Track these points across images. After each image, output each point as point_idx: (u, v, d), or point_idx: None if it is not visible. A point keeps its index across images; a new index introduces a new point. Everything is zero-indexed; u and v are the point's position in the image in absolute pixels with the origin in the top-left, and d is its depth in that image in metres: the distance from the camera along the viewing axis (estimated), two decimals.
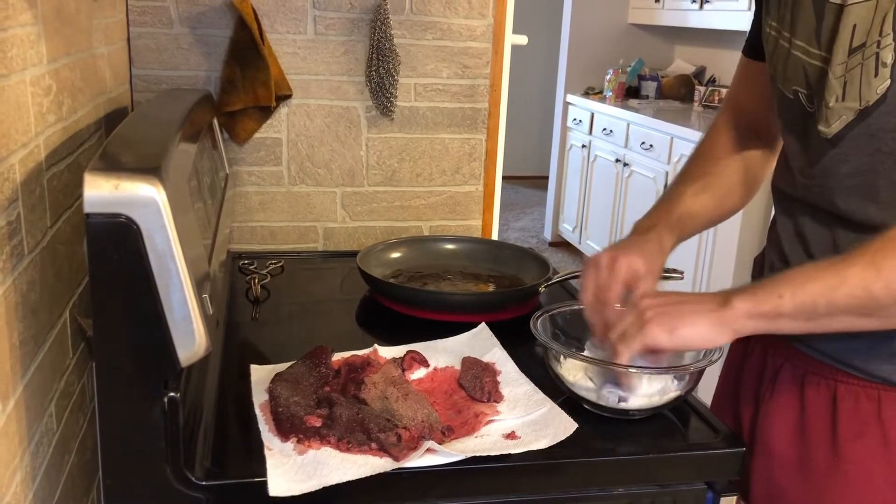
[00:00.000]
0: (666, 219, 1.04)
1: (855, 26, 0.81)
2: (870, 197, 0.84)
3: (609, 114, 4.65)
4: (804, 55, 0.87)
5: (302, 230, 1.67)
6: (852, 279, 0.78)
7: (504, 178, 1.80)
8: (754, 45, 1.03)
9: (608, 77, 4.98)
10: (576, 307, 1.07)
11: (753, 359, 1.03)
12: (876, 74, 0.80)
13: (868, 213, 0.85)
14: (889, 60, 0.79)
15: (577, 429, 0.90)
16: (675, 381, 0.94)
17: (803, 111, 0.89)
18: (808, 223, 0.93)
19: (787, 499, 0.94)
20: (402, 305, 1.27)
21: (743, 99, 1.10)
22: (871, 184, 0.84)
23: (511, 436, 0.88)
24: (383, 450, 0.84)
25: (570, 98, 5.24)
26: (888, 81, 0.79)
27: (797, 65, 0.88)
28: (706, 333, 0.85)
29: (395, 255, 1.45)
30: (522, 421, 0.92)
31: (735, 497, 0.93)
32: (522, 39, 1.82)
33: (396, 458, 0.83)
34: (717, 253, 3.60)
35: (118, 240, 0.72)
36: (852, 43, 0.81)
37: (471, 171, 1.71)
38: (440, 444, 0.85)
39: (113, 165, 0.74)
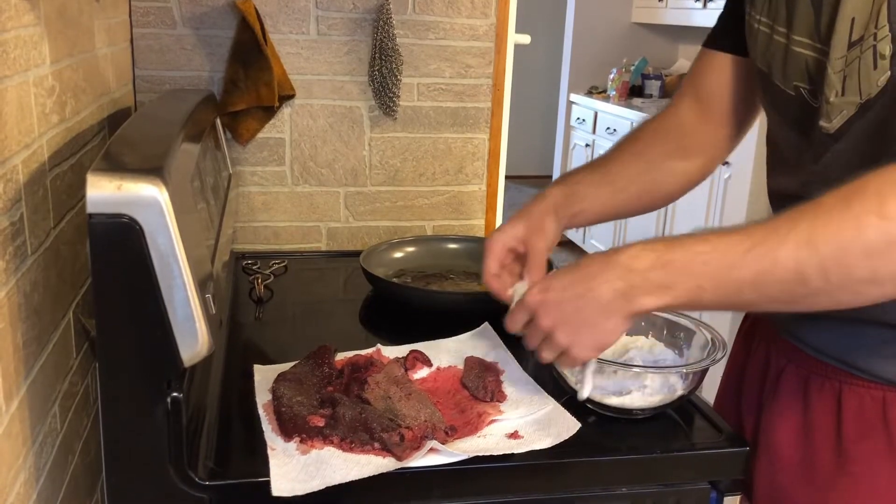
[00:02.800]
0: (562, 181, 1.05)
1: (854, 19, 0.79)
2: None
3: (613, 113, 4.65)
4: (806, 50, 0.86)
5: (305, 230, 1.67)
6: (784, 262, 0.70)
7: (507, 177, 1.80)
8: (722, 36, 1.02)
9: (612, 76, 4.97)
10: None
11: (756, 359, 1.03)
12: (875, 67, 0.79)
13: None
14: (887, 52, 0.77)
15: (581, 428, 0.90)
16: (682, 380, 0.94)
17: (806, 107, 0.88)
18: None
19: (791, 500, 0.94)
20: (406, 305, 1.27)
21: (706, 90, 1.06)
22: None
23: (514, 435, 0.88)
24: (386, 449, 0.84)
25: (573, 97, 5.23)
26: (888, 73, 0.78)
27: (798, 60, 0.87)
28: (620, 333, 0.83)
29: (399, 254, 1.45)
30: (525, 420, 0.92)
31: (739, 497, 0.93)
32: (525, 39, 1.82)
33: (399, 458, 0.83)
34: None
35: (121, 240, 0.72)
36: (851, 36, 0.80)
37: (474, 171, 1.71)
38: (443, 443, 0.85)
39: (116, 166, 0.74)
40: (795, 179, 0.93)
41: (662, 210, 4.17)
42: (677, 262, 0.76)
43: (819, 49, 0.84)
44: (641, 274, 0.78)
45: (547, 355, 0.87)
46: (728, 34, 1.02)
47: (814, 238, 0.69)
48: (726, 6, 1.03)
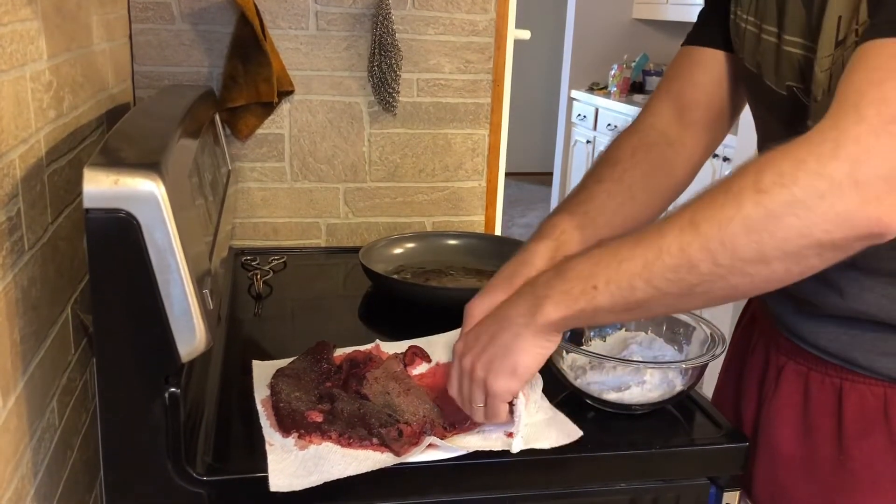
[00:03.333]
0: (544, 232, 0.98)
1: (840, 18, 0.79)
2: None
3: (614, 109, 4.64)
4: (799, 49, 0.85)
5: (304, 226, 1.66)
6: (669, 247, 0.68)
7: (508, 174, 1.80)
8: (705, 31, 1.01)
9: (612, 72, 4.97)
10: None
11: (755, 356, 1.02)
12: None
13: None
14: None
15: (580, 423, 0.89)
16: (681, 376, 0.94)
17: (799, 107, 0.87)
18: None
19: (791, 497, 0.93)
20: (405, 301, 1.26)
21: (686, 90, 1.03)
22: None
23: (513, 434, 0.88)
24: (384, 445, 0.84)
25: (574, 93, 5.23)
26: None
27: (791, 60, 0.86)
28: (539, 352, 0.80)
29: (398, 250, 1.45)
30: (525, 421, 0.91)
31: (738, 492, 0.93)
32: (525, 34, 1.81)
33: (398, 454, 0.83)
34: None
35: (118, 235, 0.72)
36: (838, 35, 0.79)
37: (474, 167, 1.71)
38: (442, 439, 0.85)
39: (113, 161, 0.74)
40: None
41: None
42: (573, 267, 0.76)
43: (811, 48, 0.83)
44: (543, 285, 0.78)
45: (476, 398, 0.83)
46: (711, 30, 1.00)
47: (695, 220, 0.68)
48: (707, 2, 1.01)
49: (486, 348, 0.81)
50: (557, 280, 0.77)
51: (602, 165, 1.03)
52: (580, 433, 0.88)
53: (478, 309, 0.91)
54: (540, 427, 0.90)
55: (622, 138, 1.05)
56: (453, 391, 0.86)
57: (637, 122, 1.06)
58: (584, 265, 0.76)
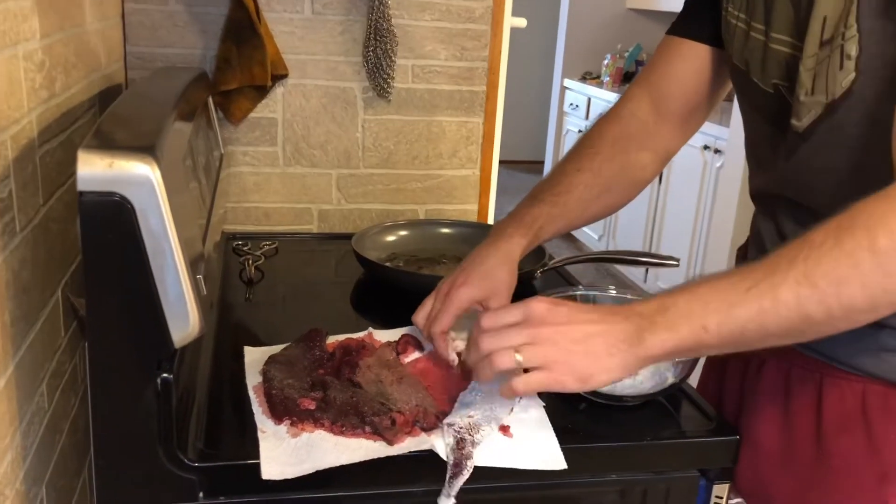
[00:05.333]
0: (524, 223, 1.00)
1: (825, 18, 0.79)
2: (841, 194, 0.83)
3: (606, 99, 4.63)
4: (785, 48, 0.85)
5: (297, 211, 1.66)
6: (785, 299, 0.70)
7: (500, 162, 1.79)
8: (689, 23, 1.01)
9: (606, 62, 4.96)
10: (571, 293, 1.07)
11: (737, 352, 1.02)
12: (841, 67, 0.78)
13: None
14: (853, 53, 0.77)
15: (572, 414, 0.90)
16: (673, 368, 0.94)
17: (784, 105, 0.87)
18: (789, 224, 0.91)
19: (771, 491, 0.94)
20: (398, 289, 1.26)
21: (665, 81, 1.04)
22: (840, 181, 0.83)
23: (505, 430, 0.87)
24: (377, 433, 0.84)
25: (567, 83, 5.22)
26: (853, 74, 0.78)
27: (778, 58, 0.86)
28: (620, 376, 0.78)
29: (391, 238, 1.45)
30: (516, 417, 0.90)
31: (728, 484, 0.94)
32: (521, 22, 1.80)
33: (390, 442, 0.82)
34: (710, 242, 3.61)
35: (112, 219, 0.71)
36: (823, 35, 0.79)
37: (467, 155, 1.70)
38: (434, 428, 0.85)
39: (107, 143, 0.73)
40: (771, 177, 0.93)
41: (653, 200, 4.17)
42: (680, 304, 0.75)
43: (798, 46, 0.83)
44: (648, 318, 0.76)
45: (505, 361, 0.77)
46: (695, 22, 1.01)
47: (811, 275, 0.70)
48: None
49: (569, 345, 0.77)
50: (663, 315, 0.75)
51: (583, 153, 1.05)
52: (564, 465, 0.85)
53: (465, 296, 0.96)
54: (531, 426, 0.89)
55: (603, 126, 1.07)
56: (501, 320, 0.80)
57: (617, 107, 1.08)
58: (691, 304, 0.75)
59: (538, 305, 0.79)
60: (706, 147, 3.64)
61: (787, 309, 0.71)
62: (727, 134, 3.45)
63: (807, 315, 0.71)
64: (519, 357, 0.77)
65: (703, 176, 3.70)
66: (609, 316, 0.78)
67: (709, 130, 3.57)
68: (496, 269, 0.98)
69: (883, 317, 0.72)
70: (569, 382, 0.77)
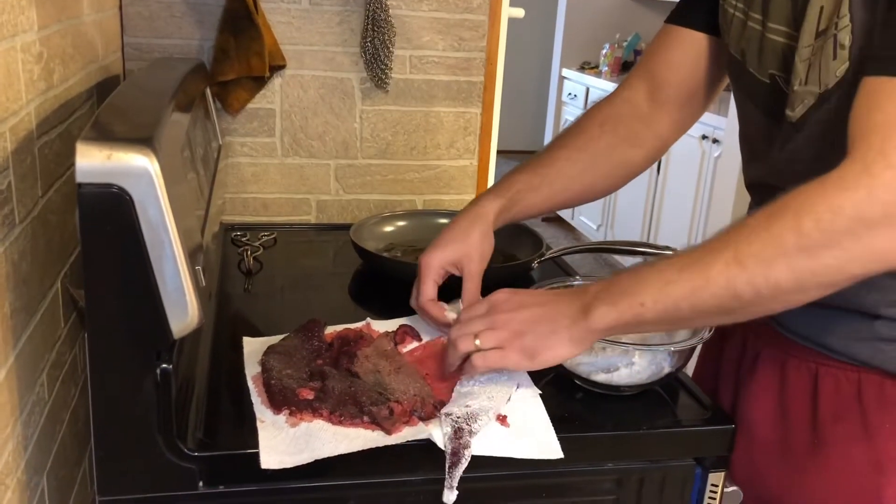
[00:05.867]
0: (499, 188, 1.05)
1: (822, 8, 0.79)
2: None
3: (604, 88, 4.63)
4: (782, 38, 0.85)
5: (295, 202, 1.66)
6: (716, 279, 0.74)
7: (498, 152, 1.79)
8: (688, 12, 1.02)
9: (604, 51, 4.95)
10: (568, 283, 1.07)
11: (733, 341, 1.03)
12: (834, 57, 0.79)
13: None
14: (846, 42, 0.77)
15: (568, 403, 0.90)
16: (669, 358, 0.95)
17: (779, 95, 0.87)
18: None
19: (766, 480, 0.95)
20: (396, 279, 1.26)
21: (662, 68, 1.05)
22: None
23: (502, 420, 0.88)
24: (375, 423, 0.84)
25: (565, 72, 5.21)
26: (846, 64, 0.78)
27: (774, 49, 0.86)
28: (567, 353, 0.85)
29: (389, 228, 1.45)
30: (514, 407, 0.91)
31: (723, 473, 0.94)
32: (519, 12, 1.80)
33: (388, 432, 0.83)
34: (709, 231, 3.61)
35: (110, 211, 0.71)
36: (819, 25, 0.80)
37: (465, 146, 1.70)
38: (432, 417, 0.86)
39: (105, 135, 0.73)
40: (765, 168, 0.94)
41: (651, 190, 4.17)
42: (622, 282, 0.82)
43: (794, 37, 0.83)
44: (592, 295, 0.83)
45: (466, 345, 0.86)
46: (694, 10, 1.01)
47: (739, 256, 0.73)
48: None
49: (522, 326, 0.85)
50: (604, 292, 0.82)
51: (569, 133, 1.08)
52: (560, 455, 0.86)
53: (434, 265, 1.00)
54: (524, 434, 0.88)
55: (594, 109, 1.09)
56: (474, 312, 0.89)
57: (612, 95, 1.10)
58: (631, 282, 0.81)
59: (498, 296, 0.89)
60: (704, 137, 3.64)
61: (717, 287, 0.74)
62: (725, 124, 3.45)
63: (736, 294, 0.74)
64: (478, 342, 0.86)
65: (702, 166, 3.71)
66: (557, 297, 0.87)
67: (707, 121, 3.57)
68: (466, 230, 1.02)
69: (816, 298, 0.74)
70: (519, 359, 0.85)
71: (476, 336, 0.86)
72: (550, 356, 0.84)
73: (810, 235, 0.70)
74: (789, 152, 0.87)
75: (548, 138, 5.43)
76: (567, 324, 0.83)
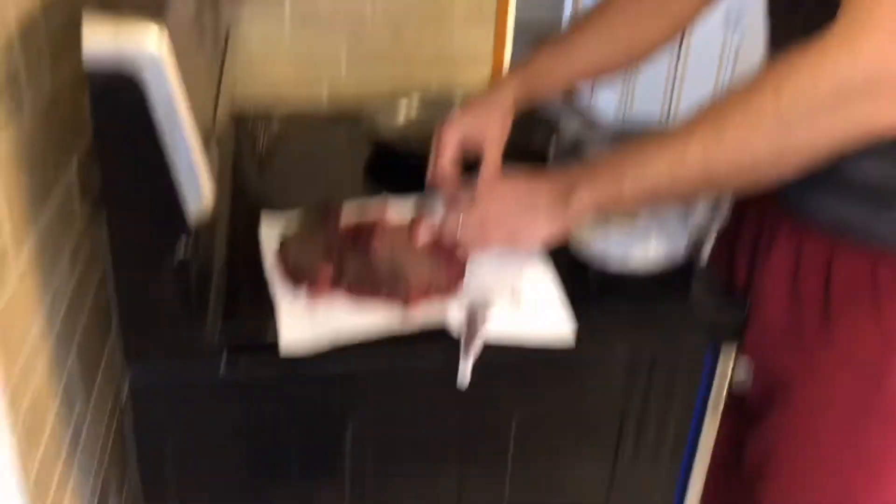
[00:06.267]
0: (518, 67, 1.05)
1: None
2: None
3: None
4: None
5: (306, 83, 1.62)
6: (693, 154, 0.75)
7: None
8: None
9: None
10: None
11: (749, 223, 1.02)
12: None
13: None
14: None
15: (580, 284, 0.91)
16: (686, 239, 0.94)
17: None
18: None
19: (776, 363, 0.96)
20: (410, 166, 1.25)
21: None
22: None
23: (516, 304, 0.89)
24: (394, 294, 0.85)
25: None
26: None
27: None
28: (546, 234, 0.88)
29: (403, 109, 1.43)
30: (527, 293, 0.91)
31: (734, 352, 0.95)
32: None
33: (407, 303, 0.85)
34: None
35: (120, 93, 0.69)
36: None
37: (480, 17, 1.64)
38: (447, 296, 0.87)
39: (112, 16, 0.71)
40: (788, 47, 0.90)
41: (670, 79, 4.04)
42: (602, 163, 0.85)
43: None
44: (575, 176, 0.85)
45: (453, 226, 0.92)
46: None
47: (718, 132, 0.74)
48: None
49: (505, 210, 0.88)
50: (585, 173, 0.85)
51: (590, 12, 1.07)
52: (572, 343, 0.86)
53: (453, 131, 1.01)
54: (537, 319, 0.88)
55: None
56: (447, 214, 0.94)
57: None
58: (613, 161, 0.83)
59: (485, 179, 0.96)
60: (727, 20, 3.51)
61: (695, 162, 0.75)
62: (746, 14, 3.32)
63: (712, 170, 0.75)
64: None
65: (722, 56, 3.58)
66: (540, 181, 0.89)
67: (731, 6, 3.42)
68: (484, 107, 1.03)
69: (797, 170, 0.74)
70: (501, 239, 0.90)
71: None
72: (530, 236, 0.88)
73: (788, 109, 0.69)
74: (814, 31, 0.84)
75: (567, 10, 5.26)
76: (547, 204, 0.86)
